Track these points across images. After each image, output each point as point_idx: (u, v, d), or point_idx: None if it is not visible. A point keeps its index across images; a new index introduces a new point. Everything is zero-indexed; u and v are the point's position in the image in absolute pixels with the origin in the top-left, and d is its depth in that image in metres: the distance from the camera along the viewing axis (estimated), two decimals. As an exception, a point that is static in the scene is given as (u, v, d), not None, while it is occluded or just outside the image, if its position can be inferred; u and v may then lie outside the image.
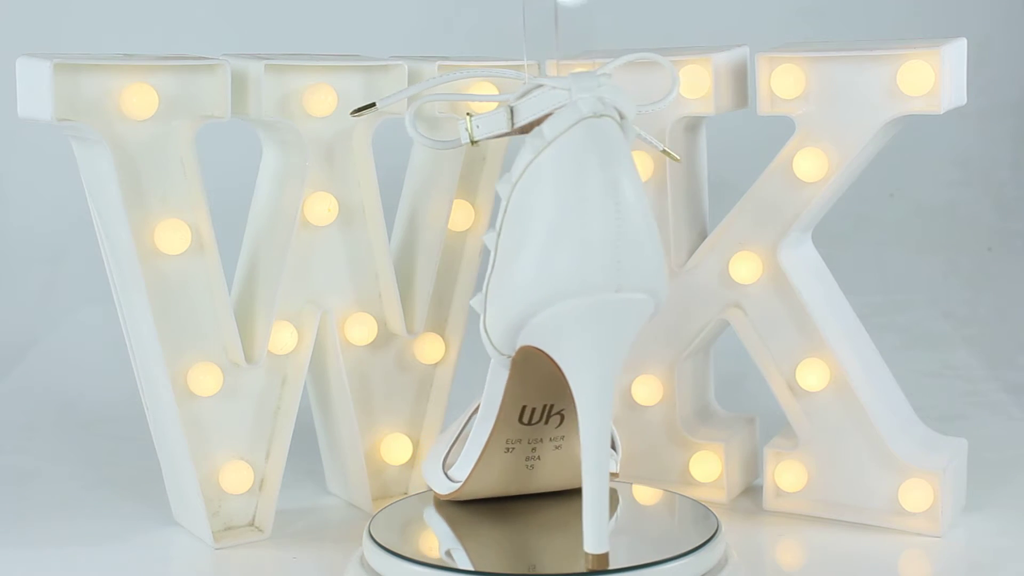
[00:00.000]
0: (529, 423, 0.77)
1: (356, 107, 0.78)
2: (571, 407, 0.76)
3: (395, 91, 0.82)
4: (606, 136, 0.69)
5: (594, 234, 0.68)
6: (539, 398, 0.76)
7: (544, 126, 0.70)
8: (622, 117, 0.71)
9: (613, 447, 0.83)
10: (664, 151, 0.80)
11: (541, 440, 0.78)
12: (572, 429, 0.77)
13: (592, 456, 0.70)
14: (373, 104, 0.78)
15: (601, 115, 0.69)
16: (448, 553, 0.75)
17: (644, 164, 0.89)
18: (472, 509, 0.80)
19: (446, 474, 0.81)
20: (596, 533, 0.70)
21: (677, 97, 0.86)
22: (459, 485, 0.79)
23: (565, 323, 0.69)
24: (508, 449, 0.78)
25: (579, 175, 0.69)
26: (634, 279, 0.69)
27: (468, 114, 0.75)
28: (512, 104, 0.73)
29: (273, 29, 1.45)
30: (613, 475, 0.80)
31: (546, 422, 0.77)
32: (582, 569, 0.71)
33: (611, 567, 0.71)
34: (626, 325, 0.70)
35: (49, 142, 1.33)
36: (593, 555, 0.70)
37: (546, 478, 0.79)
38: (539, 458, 0.78)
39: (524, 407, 0.76)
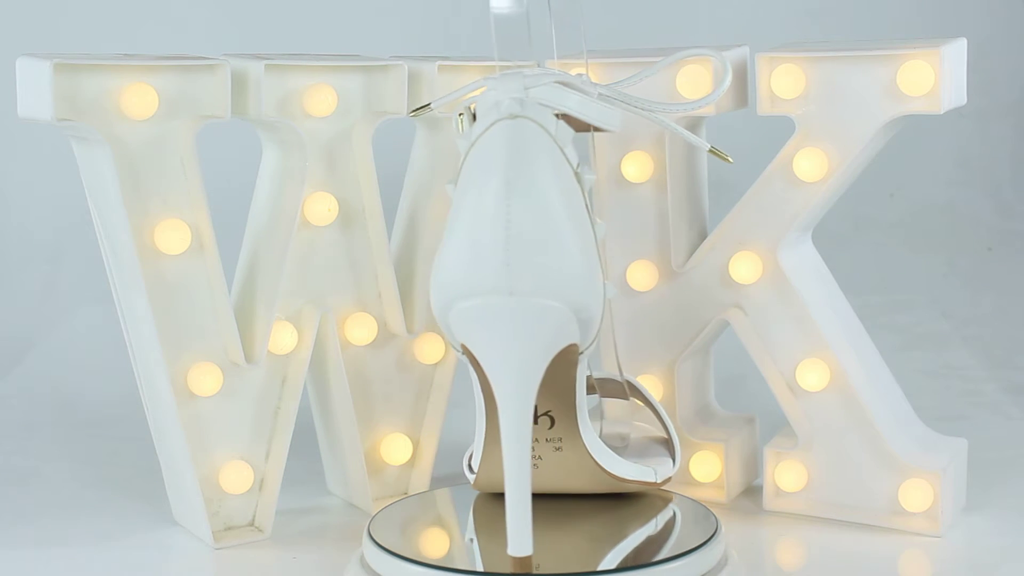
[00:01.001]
0: None
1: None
2: (557, 408, 0.75)
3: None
4: (519, 137, 0.68)
5: (484, 236, 0.67)
6: None
7: (475, 126, 0.70)
8: (560, 118, 0.70)
9: (672, 455, 0.83)
10: (712, 150, 0.78)
11: (537, 440, 0.77)
12: (569, 433, 0.77)
13: (509, 457, 0.69)
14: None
15: (516, 116, 0.69)
16: (449, 553, 0.75)
17: (644, 164, 0.89)
18: (473, 509, 0.80)
19: (470, 464, 0.81)
20: (516, 535, 0.69)
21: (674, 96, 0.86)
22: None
23: (465, 323, 0.69)
24: None
25: (484, 176, 0.68)
26: (528, 283, 0.67)
27: (460, 113, 0.75)
28: (471, 105, 0.73)
29: (273, 29, 1.45)
30: (651, 483, 0.80)
31: (536, 422, 0.77)
32: (584, 569, 0.71)
33: (612, 567, 0.71)
34: (529, 331, 0.68)
35: (49, 142, 1.33)
36: (514, 558, 0.69)
37: (552, 480, 0.79)
38: (540, 458, 0.78)
39: None
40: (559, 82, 0.71)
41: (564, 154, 0.69)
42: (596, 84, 0.75)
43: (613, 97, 0.75)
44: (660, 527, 0.78)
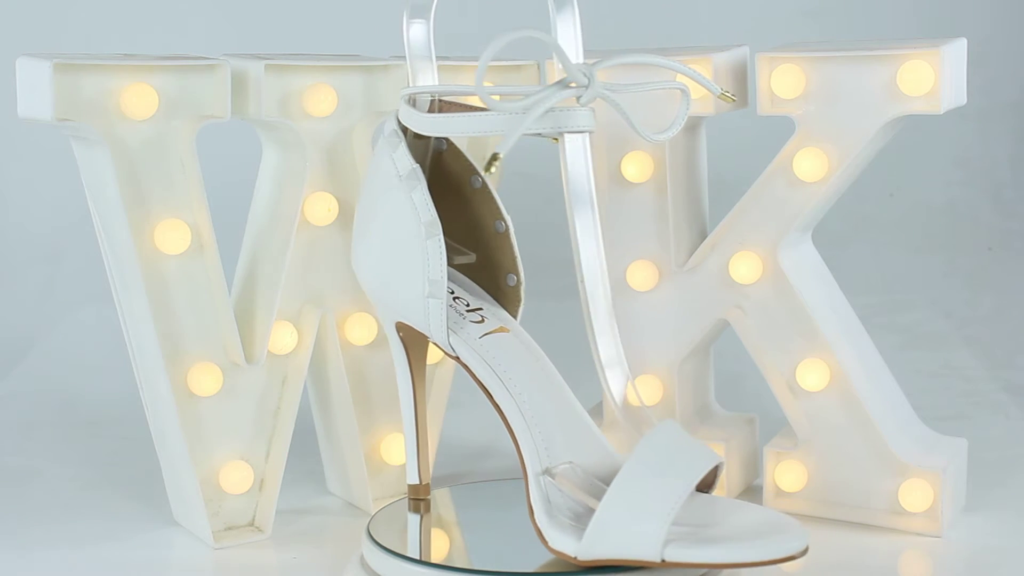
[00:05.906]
0: None
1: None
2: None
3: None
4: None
5: None
6: None
7: None
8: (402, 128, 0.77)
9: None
10: (723, 94, 0.75)
11: None
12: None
13: (401, 402, 0.82)
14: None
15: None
16: (449, 553, 0.75)
17: (644, 164, 0.89)
18: (472, 509, 0.80)
19: None
20: (410, 467, 0.82)
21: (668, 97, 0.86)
22: None
23: None
24: None
25: None
26: None
27: None
28: None
29: (273, 29, 1.45)
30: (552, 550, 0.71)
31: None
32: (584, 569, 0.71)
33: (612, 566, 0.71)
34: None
35: (49, 142, 1.33)
36: (411, 485, 0.81)
37: None
38: None
39: None
40: (405, 96, 0.77)
41: (391, 160, 0.76)
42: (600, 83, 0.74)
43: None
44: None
